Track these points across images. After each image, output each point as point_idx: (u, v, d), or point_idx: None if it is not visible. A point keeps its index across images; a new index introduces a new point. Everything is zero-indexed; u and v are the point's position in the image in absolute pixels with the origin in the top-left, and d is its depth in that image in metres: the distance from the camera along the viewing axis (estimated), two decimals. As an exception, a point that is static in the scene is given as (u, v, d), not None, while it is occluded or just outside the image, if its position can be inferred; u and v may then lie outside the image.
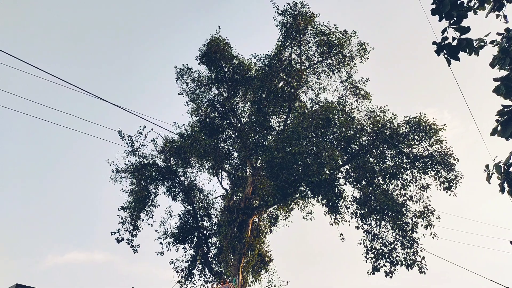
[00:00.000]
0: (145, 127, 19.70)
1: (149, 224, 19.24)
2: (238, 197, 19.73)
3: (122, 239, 18.53)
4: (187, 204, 20.44)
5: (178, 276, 18.96)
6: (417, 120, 15.20)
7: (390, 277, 13.17)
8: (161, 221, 20.13)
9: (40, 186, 71.17)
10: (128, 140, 19.45)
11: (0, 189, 67.13)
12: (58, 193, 73.24)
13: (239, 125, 20.09)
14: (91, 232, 76.29)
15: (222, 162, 20.26)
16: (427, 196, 14.49)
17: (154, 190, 19.72)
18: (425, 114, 15.48)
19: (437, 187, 14.69)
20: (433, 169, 14.67)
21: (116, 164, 19.71)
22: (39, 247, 69.40)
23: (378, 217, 13.94)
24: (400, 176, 14.81)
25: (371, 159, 15.67)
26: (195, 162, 21.00)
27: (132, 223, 18.83)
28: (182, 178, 20.83)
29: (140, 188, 19.07)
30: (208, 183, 24.43)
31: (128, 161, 19.53)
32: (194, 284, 18.93)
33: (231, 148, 20.64)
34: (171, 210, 20.55)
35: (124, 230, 18.63)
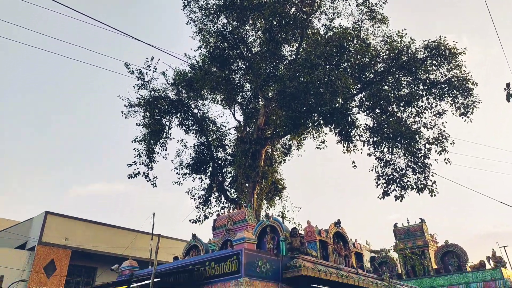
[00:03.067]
0: (152, 58, 19.31)
1: (163, 157, 19.77)
2: (251, 128, 19.91)
3: (138, 173, 19.06)
4: (200, 136, 20.77)
5: (196, 203, 19.95)
6: (436, 44, 14.51)
7: (400, 201, 13.61)
8: (176, 153, 20.67)
9: (58, 121, 72.69)
10: (138, 74, 19.26)
11: (24, 125, 68.87)
12: (77, 126, 74.94)
13: (249, 55, 19.55)
14: (112, 164, 79.23)
15: (234, 94, 20.12)
16: (442, 123, 14.35)
17: (167, 123, 19.96)
18: (445, 37, 14.74)
19: (453, 113, 14.49)
20: (450, 95, 14.32)
21: (128, 98, 19.78)
22: (64, 179, 72.86)
23: (390, 145, 13.98)
24: (415, 103, 14.53)
25: (386, 86, 15.31)
26: (207, 95, 20.91)
27: (148, 156, 19.33)
28: (195, 111, 20.95)
29: (154, 121, 19.30)
30: (221, 116, 24.60)
31: (140, 95, 19.55)
32: (211, 209, 19.95)
33: (242, 79, 20.34)
34: (186, 142, 21.00)
35: (140, 164, 19.14)
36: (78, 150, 77.46)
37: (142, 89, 19.64)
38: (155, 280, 8.30)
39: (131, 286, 9.69)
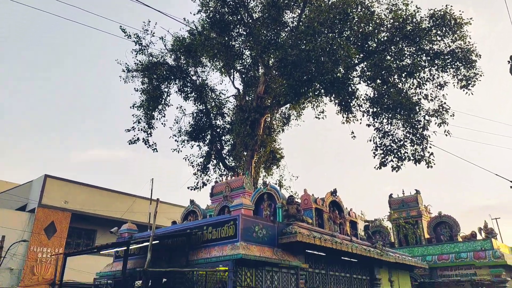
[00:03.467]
0: (149, 22, 18.83)
1: (162, 123, 19.71)
2: (250, 96, 19.74)
3: (138, 139, 19.05)
4: (199, 103, 20.63)
5: (194, 170, 20.10)
6: (442, 13, 14.14)
7: (397, 171, 13.74)
8: (175, 120, 20.60)
9: (56, 84, 71.85)
10: (135, 38, 18.84)
11: (24, 87, 68.09)
12: (75, 92, 74.19)
13: (250, 21, 19.05)
14: (111, 131, 79.17)
15: (234, 61, 19.79)
16: (443, 95, 14.24)
17: (166, 90, 19.75)
18: (451, 6, 14.34)
19: (454, 85, 14.35)
20: (453, 66, 14.12)
21: (126, 63, 19.47)
22: (63, 145, 72.97)
23: (390, 115, 13.94)
24: (417, 74, 14.35)
25: (388, 56, 15.06)
26: (206, 62, 20.58)
27: (147, 122, 19.25)
28: (194, 78, 20.68)
29: (152, 88, 19.09)
30: (220, 83, 24.33)
31: (137, 60, 19.23)
32: (209, 177, 20.13)
33: (242, 46, 19.94)
34: (185, 109, 20.89)
35: (139, 130, 19.10)
36: (78, 115, 77.15)
37: (140, 54, 19.30)
38: (153, 242, 8.48)
39: (130, 247, 9.93)
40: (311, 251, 10.91)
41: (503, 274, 17.25)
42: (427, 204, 22.44)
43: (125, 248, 9.06)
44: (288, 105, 19.92)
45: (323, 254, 11.34)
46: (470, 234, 19.76)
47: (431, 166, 13.40)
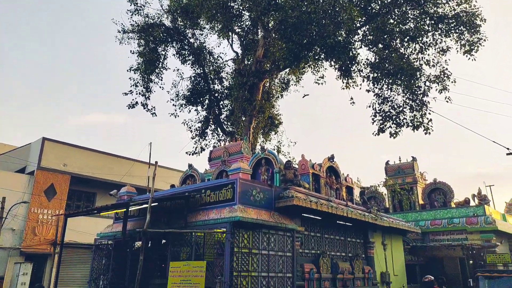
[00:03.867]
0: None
1: (160, 87, 19.46)
2: (249, 60, 19.38)
3: (136, 103, 18.89)
4: (197, 67, 20.28)
5: (192, 135, 20.09)
6: (448, -26, 13.63)
7: (394, 138, 13.76)
8: (172, 84, 20.32)
9: (52, 46, 70.39)
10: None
11: (19, 52, 66.73)
12: (71, 52, 72.79)
13: (250, -20, 18.36)
14: (109, 95, 78.44)
15: (233, 23, 19.25)
16: (446, 60, 14.00)
17: (163, 52, 19.34)
18: (459, -33, 13.79)
19: (457, 51, 14.09)
20: (456, 31, 13.77)
21: (122, 23, 18.93)
22: (60, 109, 72.50)
23: (390, 81, 13.76)
24: (420, 39, 14.02)
25: (391, 20, 14.65)
26: (204, 23, 20.01)
27: (144, 86, 19.01)
28: (191, 40, 20.20)
29: (149, 50, 18.68)
30: (218, 46, 23.80)
31: (133, 21, 18.68)
32: (207, 142, 20.16)
33: (241, 7, 19.32)
34: (182, 73, 20.55)
35: (137, 93, 18.89)
36: (75, 79, 76.06)
37: (135, 15, 18.74)
38: (152, 204, 8.60)
39: (130, 209, 10.09)
40: (307, 215, 11.12)
41: (493, 239, 17.75)
42: (423, 171, 22.73)
43: (125, 209, 9.19)
44: (287, 70, 19.61)
45: (319, 218, 11.57)
46: (463, 201, 20.14)
47: (429, 133, 13.40)
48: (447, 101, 13.22)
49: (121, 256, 10.64)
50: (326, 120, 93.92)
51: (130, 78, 18.75)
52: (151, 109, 19.08)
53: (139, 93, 18.92)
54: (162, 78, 19.32)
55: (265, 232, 9.44)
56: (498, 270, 10.57)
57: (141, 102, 18.92)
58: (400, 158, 22.94)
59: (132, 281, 9.51)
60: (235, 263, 8.49)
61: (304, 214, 10.96)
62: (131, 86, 18.75)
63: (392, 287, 13.79)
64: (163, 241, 12.06)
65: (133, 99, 18.75)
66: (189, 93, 20.27)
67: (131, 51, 19.01)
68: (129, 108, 18.83)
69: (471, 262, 16.32)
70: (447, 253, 16.98)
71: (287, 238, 9.98)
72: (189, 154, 20.00)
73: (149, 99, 19.08)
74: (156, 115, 19.21)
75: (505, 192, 76.42)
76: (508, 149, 9.99)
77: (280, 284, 9.46)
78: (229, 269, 8.35)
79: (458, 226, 18.63)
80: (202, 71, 20.28)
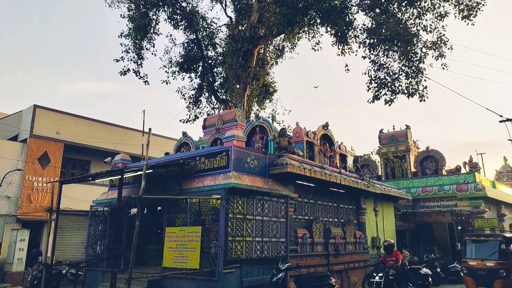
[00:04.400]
0: None
1: (152, 53, 19.01)
2: (243, 26, 18.90)
3: (128, 70, 18.48)
4: (190, 32, 19.75)
5: (186, 103, 19.89)
6: None
7: (389, 105, 13.72)
8: (164, 50, 19.86)
9: (43, 13, 68.07)
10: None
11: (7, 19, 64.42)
12: (62, 20, 70.53)
13: None
14: (101, 64, 76.80)
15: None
16: (443, 26, 13.73)
17: (154, 17, 18.72)
18: None
19: (456, 16, 13.80)
20: (455, -5, 13.45)
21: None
22: (51, 77, 71.09)
23: (386, 47, 13.53)
24: (418, 3, 13.67)
25: (389, -17, 14.20)
26: (197, -15, 19.32)
27: (136, 52, 18.55)
28: (184, 4, 19.56)
29: (140, 15, 18.08)
30: (211, 9, 23.12)
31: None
32: (201, 110, 20.00)
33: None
34: (175, 39, 20.06)
35: (128, 60, 18.46)
36: (66, 47, 74.10)
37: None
38: (147, 171, 8.60)
39: (125, 176, 10.11)
40: (301, 182, 11.25)
41: (482, 205, 18.21)
42: (416, 139, 22.91)
43: (120, 176, 9.20)
44: (282, 36, 19.19)
45: (313, 185, 11.72)
46: (454, 168, 20.46)
47: (424, 100, 13.37)
48: (443, 68, 13.10)
49: (117, 223, 10.79)
50: (321, 89, 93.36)
51: (121, 44, 18.27)
52: (144, 76, 18.73)
53: (131, 60, 18.50)
54: (154, 44, 18.87)
55: (259, 199, 9.57)
56: (484, 234, 10.91)
57: (133, 69, 18.54)
58: (394, 127, 23.05)
59: (128, 247, 9.69)
60: (230, 228, 8.65)
61: (298, 181, 11.09)
62: (122, 53, 18.32)
63: (383, 251, 14.21)
64: (159, 208, 12.21)
65: (124, 66, 18.36)
66: (182, 59, 19.86)
67: (121, 15, 18.45)
68: (121, 75, 18.47)
69: (459, 228, 16.79)
70: (437, 218, 17.42)
71: (281, 204, 10.14)
72: (183, 122, 19.90)
73: (141, 66, 18.69)
74: (148, 83, 18.91)
75: (497, 160, 77.76)
76: (501, 116, 10.03)
77: (274, 248, 9.69)
78: (224, 234, 8.51)
79: (449, 193, 19.02)
80: (195, 37, 19.79)
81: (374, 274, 9.82)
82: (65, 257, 16.51)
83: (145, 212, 12.31)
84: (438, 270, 14.67)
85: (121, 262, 10.37)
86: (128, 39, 18.28)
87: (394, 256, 10.28)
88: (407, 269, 11.19)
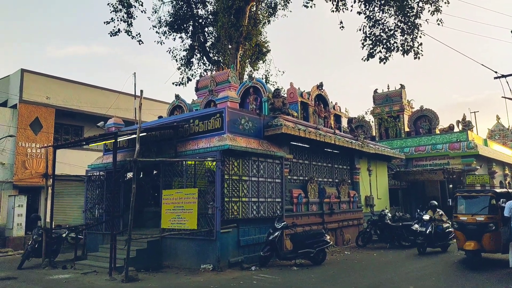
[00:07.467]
0: None
1: (142, 11, 18.27)
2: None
3: (119, 30, 17.80)
4: (179, -11, 18.93)
5: (178, 64, 19.45)
6: None
7: (384, 63, 13.53)
8: (153, 8, 19.11)
9: (16, -26, 64.59)
10: None
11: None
12: (37, -18, 67.11)
13: None
14: (88, 25, 74.16)
15: None
16: (440, -21, 13.27)
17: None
18: None
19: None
20: None
21: None
22: (36, 40, 68.77)
23: (382, 2, 13.12)
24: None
25: None
26: None
27: (125, 11, 17.81)
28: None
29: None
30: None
31: None
32: (193, 71, 19.61)
33: None
34: (163, -5, 19.17)
35: (118, 20, 17.76)
36: (51, 9, 71.12)
37: None
38: (141, 134, 8.53)
39: (119, 140, 10.04)
40: (295, 143, 11.28)
41: (474, 163, 18.50)
42: (410, 99, 22.86)
43: (113, 140, 9.13)
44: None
45: (307, 145, 11.77)
46: (448, 127, 20.59)
47: (419, 58, 13.19)
48: (438, 24, 12.80)
49: (114, 186, 10.85)
50: (315, 49, 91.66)
51: (108, 4, 17.51)
52: (136, 35, 18.06)
53: (121, 20, 17.78)
54: (142, 3, 18.06)
55: (254, 160, 9.61)
56: (475, 190, 11.15)
57: (124, 29, 17.88)
58: (388, 86, 22.90)
59: (126, 210, 9.81)
60: (226, 189, 8.75)
61: (292, 142, 11.11)
62: (111, 12, 17.59)
63: (376, 209, 14.58)
64: (155, 171, 12.26)
65: (114, 27, 17.69)
66: (171, 19, 19.17)
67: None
68: (111, 35, 17.81)
69: (450, 186, 17.14)
70: (429, 176, 17.74)
71: (276, 165, 10.21)
72: (176, 85, 19.57)
73: (131, 25, 18.01)
74: (142, 42, 18.27)
75: (490, 119, 78.35)
76: (496, 72, 9.94)
77: (270, 208, 9.87)
78: (220, 195, 8.62)
79: (441, 151, 19.24)
80: (184, -6, 18.99)
81: None
82: (64, 222, 16.73)
83: (141, 176, 12.36)
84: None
85: (120, 224, 10.54)
86: (114, -3, 17.46)
87: None
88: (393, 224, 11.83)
